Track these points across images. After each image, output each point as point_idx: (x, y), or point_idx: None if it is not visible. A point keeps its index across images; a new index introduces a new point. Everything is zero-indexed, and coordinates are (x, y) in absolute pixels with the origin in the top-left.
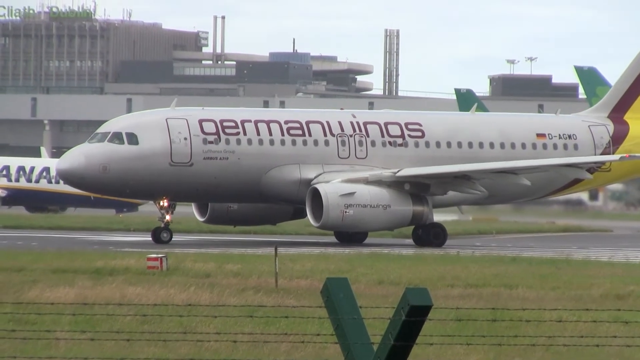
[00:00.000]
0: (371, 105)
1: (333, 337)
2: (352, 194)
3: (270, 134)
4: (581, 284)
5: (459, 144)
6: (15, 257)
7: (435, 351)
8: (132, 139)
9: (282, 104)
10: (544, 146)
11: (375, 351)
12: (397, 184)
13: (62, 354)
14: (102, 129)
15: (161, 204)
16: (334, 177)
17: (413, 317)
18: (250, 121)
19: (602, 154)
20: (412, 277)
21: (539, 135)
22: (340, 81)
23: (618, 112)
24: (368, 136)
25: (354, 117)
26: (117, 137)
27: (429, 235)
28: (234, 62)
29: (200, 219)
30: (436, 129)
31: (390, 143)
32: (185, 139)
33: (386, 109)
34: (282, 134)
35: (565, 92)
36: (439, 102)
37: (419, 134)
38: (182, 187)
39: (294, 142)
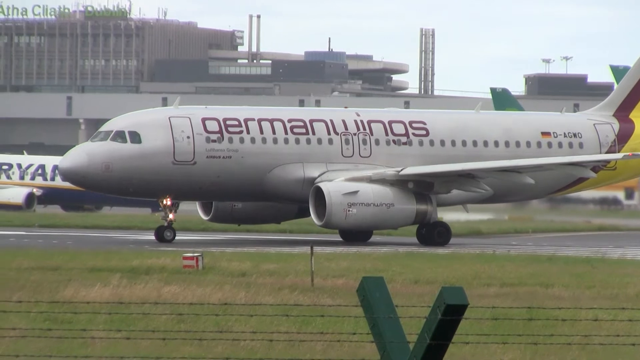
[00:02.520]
0: (407, 105)
1: (369, 336)
2: (355, 192)
3: (274, 133)
4: (617, 283)
5: (464, 143)
6: (51, 256)
7: (471, 350)
8: (135, 137)
9: (317, 103)
10: (549, 145)
11: (412, 350)
12: (400, 183)
13: (97, 353)
14: (104, 127)
15: (164, 202)
16: (338, 176)
17: (449, 316)
18: (253, 120)
19: (607, 152)
20: (447, 276)
21: (543, 133)
22: (376, 80)
23: (624, 111)
24: (372, 135)
25: (358, 115)
26: (119, 136)
27: (433, 234)
28: (270, 61)
29: (205, 218)
30: (440, 128)
31: (394, 142)
32: (188, 137)
33: (390, 108)
34: (286, 133)
35: (600, 92)
36: (474, 102)
37: (424, 132)
38: (185, 186)
39: (297, 141)
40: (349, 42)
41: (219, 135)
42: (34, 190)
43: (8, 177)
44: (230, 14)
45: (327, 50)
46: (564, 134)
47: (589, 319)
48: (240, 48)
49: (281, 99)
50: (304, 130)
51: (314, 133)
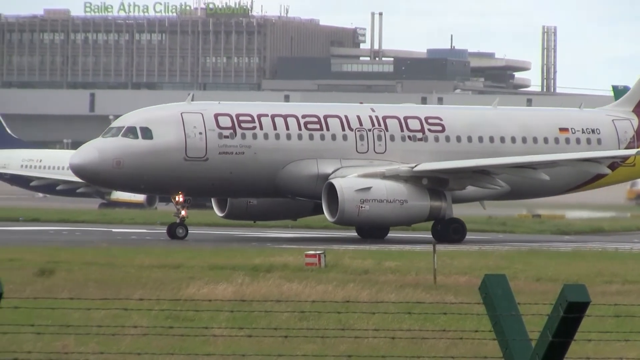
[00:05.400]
0: (529, 102)
1: (491, 334)
2: (368, 188)
3: (287, 129)
4: None
5: (480, 139)
6: (173, 254)
7: (594, 348)
8: (147, 133)
9: (439, 101)
10: (567, 141)
11: (534, 347)
12: (414, 179)
13: (219, 350)
14: (116, 123)
15: (176, 199)
16: (352, 172)
17: (571, 313)
18: (267, 115)
19: (626, 148)
20: (570, 273)
21: (561, 129)
22: (498, 78)
23: None
24: (387, 130)
25: (373, 111)
26: (131, 132)
27: (448, 230)
28: (392, 59)
29: (220, 214)
30: (457, 124)
31: (409, 137)
32: (201, 133)
33: (407, 103)
34: (300, 129)
35: None
36: (596, 99)
37: (439, 128)
38: (197, 182)
39: (311, 137)
40: (471, 39)
41: (232, 131)
42: None
43: None
44: (352, 11)
45: (450, 47)
46: (582, 129)
47: None
48: (362, 45)
49: (403, 96)
50: (318, 126)
51: (328, 129)
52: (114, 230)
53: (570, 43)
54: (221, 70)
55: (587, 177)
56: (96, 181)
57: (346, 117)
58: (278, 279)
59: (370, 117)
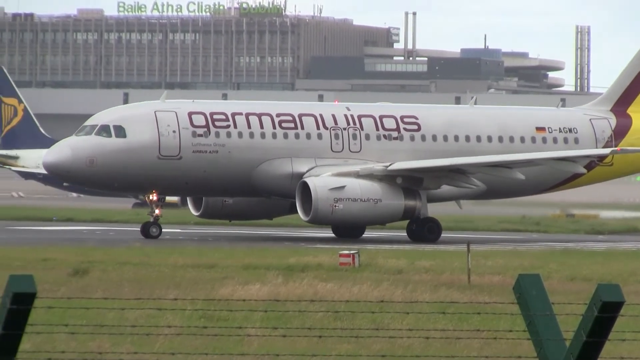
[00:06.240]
0: (563, 102)
1: (525, 334)
2: (342, 187)
3: (262, 127)
4: None
5: (456, 138)
6: (207, 254)
7: (628, 347)
8: (120, 131)
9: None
10: (544, 140)
11: (568, 347)
12: (388, 178)
13: (253, 350)
14: (89, 121)
15: (150, 198)
16: (326, 171)
17: (605, 313)
18: (241, 114)
19: (604, 147)
20: (604, 273)
21: (538, 129)
22: (532, 77)
23: (621, 106)
24: (362, 129)
25: (348, 110)
26: (104, 130)
27: (423, 229)
28: (425, 58)
29: (195, 214)
30: (433, 122)
31: (385, 136)
32: (174, 132)
33: (382, 102)
34: (274, 127)
35: None
36: None
37: (415, 127)
38: (171, 181)
39: (285, 136)
40: (504, 39)
41: (206, 129)
42: None
43: None
44: (385, 10)
45: (483, 47)
46: (559, 129)
47: None
48: (395, 45)
49: (437, 96)
50: (292, 125)
51: (302, 128)
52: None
53: (604, 42)
54: (255, 70)
55: (564, 177)
56: (69, 180)
57: (321, 115)
58: (312, 278)
59: (346, 115)
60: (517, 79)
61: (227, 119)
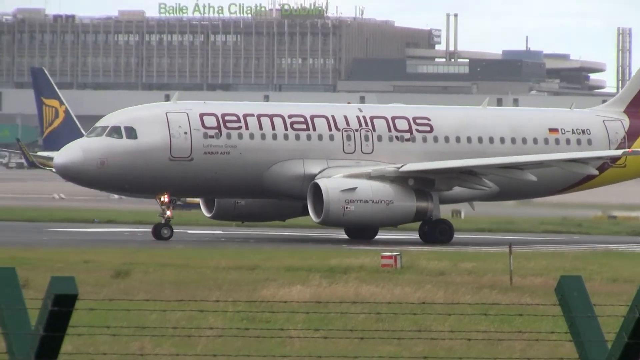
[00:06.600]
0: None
1: (567, 335)
2: (353, 189)
3: (273, 129)
4: None
5: (469, 139)
6: (249, 255)
7: None
8: (131, 133)
9: (515, 102)
10: (557, 141)
11: (610, 349)
12: (400, 180)
13: (295, 352)
14: (100, 122)
15: (161, 199)
16: (338, 173)
17: None
18: (252, 115)
19: (617, 149)
20: None
21: (551, 130)
22: (573, 79)
23: (634, 107)
24: (374, 131)
25: (361, 111)
26: (115, 131)
27: (435, 231)
28: (467, 60)
29: (207, 215)
30: (445, 124)
31: (397, 138)
32: (186, 133)
33: (395, 103)
34: (286, 129)
35: None
36: None
37: (427, 128)
38: (182, 183)
39: (297, 137)
40: (546, 40)
41: (217, 131)
42: None
43: None
44: (427, 12)
45: (525, 49)
46: (572, 130)
47: None
48: (437, 47)
49: (479, 97)
50: (304, 126)
51: (314, 129)
52: (189, 231)
53: None
54: (296, 72)
55: (577, 178)
56: (80, 181)
57: (333, 117)
58: (354, 280)
59: (358, 117)
60: (559, 81)
61: (238, 120)
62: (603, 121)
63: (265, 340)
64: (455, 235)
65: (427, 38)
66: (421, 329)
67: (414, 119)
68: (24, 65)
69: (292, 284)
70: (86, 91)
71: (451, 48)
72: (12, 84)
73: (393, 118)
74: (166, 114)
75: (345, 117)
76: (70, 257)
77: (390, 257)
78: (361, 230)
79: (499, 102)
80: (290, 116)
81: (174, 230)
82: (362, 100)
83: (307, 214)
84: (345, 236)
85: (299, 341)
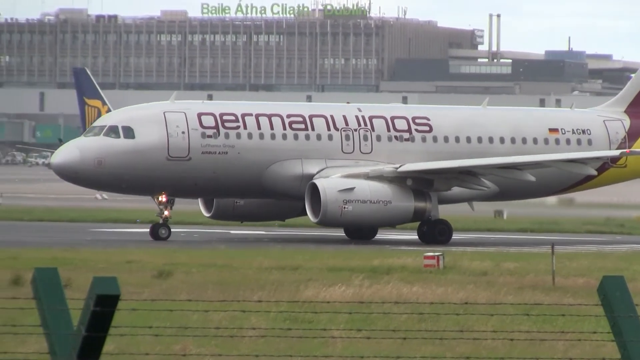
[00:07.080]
0: None
1: (610, 335)
2: (351, 189)
3: (272, 128)
4: None
5: (468, 139)
6: (292, 255)
7: None
8: (129, 132)
9: (557, 103)
10: (557, 141)
11: None
12: (399, 180)
13: (338, 352)
14: (98, 122)
15: (159, 199)
16: (336, 173)
17: None
18: (251, 115)
19: (618, 149)
20: None
21: (551, 130)
22: (616, 79)
23: (635, 107)
24: (373, 130)
25: (360, 111)
26: (113, 131)
27: (434, 231)
28: (510, 60)
29: (206, 215)
30: (444, 124)
31: (396, 138)
32: (183, 132)
33: (394, 103)
34: (284, 128)
35: None
36: None
37: (427, 128)
38: (180, 182)
39: (296, 137)
40: (588, 41)
41: (215, 130)
42: None
43: None
44: (470, 12)
45: (567, 49)
46: (573, 130)
47: None
48: (480, 47)
49: (522, 98)
50: (303, 126)
51: (313, 129)
52: (232, 232)
53: None
54: (339, 72)
55: (577, 179)
56: (77, 181)
57: (332, 116)
58: (396, 280)
59: (357, 117)
60: (601, 81)
61: (236, 120)
62: (603, 121)
63: (308, 341)
64: (497, 236)
65: (469, 38)
66: (463, 329)
67: (413, 118)
68: (66, 65)
69: (335, 284)
70: (129, 91)
71: (494, 48)
72: (54, 84)
73: (392, 118)
74: (164, 113)
75: (344, 116)
76: (113, 258)
77: (432, 257)
78: (360, 230)
79: (542, 103)
80: (288, 116)
81: (171, 230)
82: (405, 100)
83: (307, 214)
84: (344, 236)
85: (341, 341)
